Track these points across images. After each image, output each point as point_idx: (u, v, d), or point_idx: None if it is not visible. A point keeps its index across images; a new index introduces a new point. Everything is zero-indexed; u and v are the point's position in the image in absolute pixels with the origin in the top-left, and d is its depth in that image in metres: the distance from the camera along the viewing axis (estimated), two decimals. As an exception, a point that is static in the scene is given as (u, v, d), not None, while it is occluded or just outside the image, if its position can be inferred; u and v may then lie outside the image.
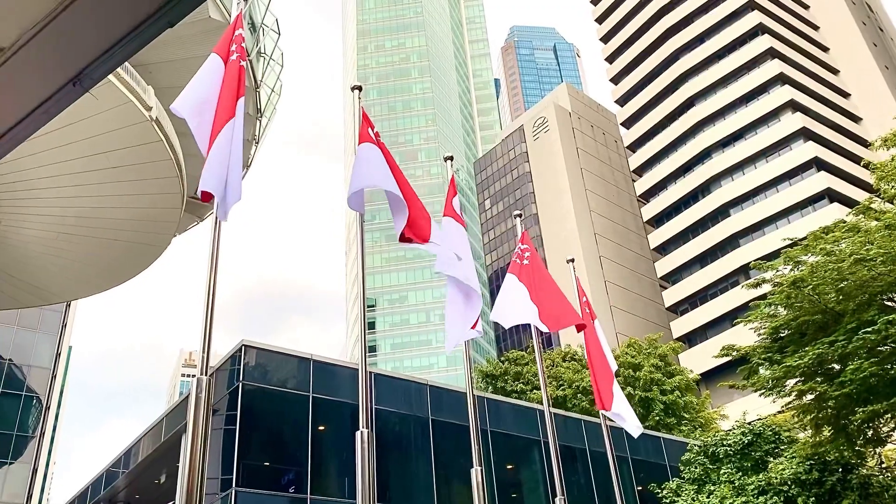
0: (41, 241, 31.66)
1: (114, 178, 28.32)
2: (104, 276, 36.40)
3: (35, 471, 48.35)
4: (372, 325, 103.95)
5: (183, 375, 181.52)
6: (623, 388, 39.09)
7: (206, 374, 5.37)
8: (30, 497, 47.69)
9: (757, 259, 24.96)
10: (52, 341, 53.10)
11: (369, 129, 9.12)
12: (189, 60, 28.34)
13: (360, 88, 9.73)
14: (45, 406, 50.97)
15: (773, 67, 72.56)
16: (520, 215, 12.94)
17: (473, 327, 9.73)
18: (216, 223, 6.56)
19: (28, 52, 3.31)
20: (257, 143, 36.08)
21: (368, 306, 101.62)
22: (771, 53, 73.71)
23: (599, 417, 13.57)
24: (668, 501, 22.54)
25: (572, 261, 14.16)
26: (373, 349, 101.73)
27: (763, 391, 20.24)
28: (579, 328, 12.26)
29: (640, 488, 25.62)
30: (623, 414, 11.91)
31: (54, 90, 3.52)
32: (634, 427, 11.99)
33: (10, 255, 31.59)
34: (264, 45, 32.38)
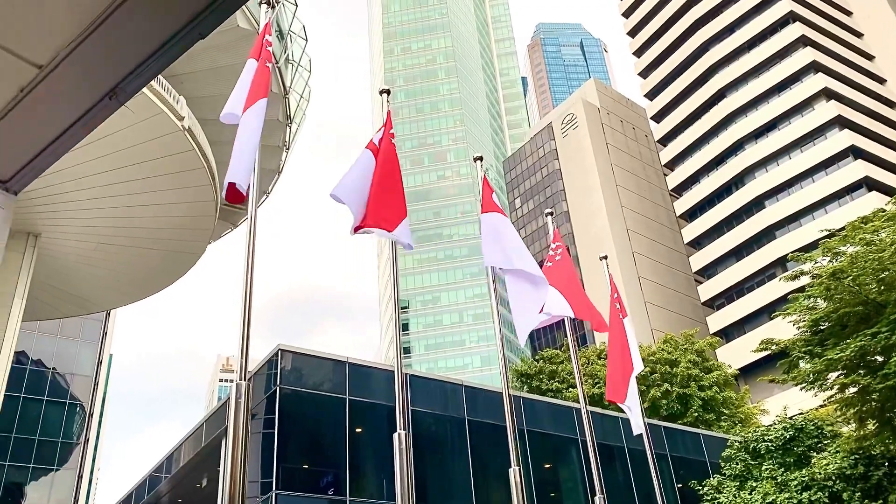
0: (80, 251, 32.33)
1: (149, 188, 28.82)
2: (142, 285, 37.05)
3: (80, 477, 49.38)
4: (405, 327, 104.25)
5: (221, 380, 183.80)
6: (660, 385, 38.74)
7: (244, 380, 5.44)
8: (76, 503, 48.71)
9: (794, 251, 24.55)
10: (94, 350, 54.24)
11: (377, 134, 9.16)
12: (219, 70, 28.73)
13: (388, 92, 9.78)
14: (87, 413, 52.02)
15: (805, 55, 71.28)
16: (551, 213, 12.89)
17: (541, 311, 9.76)
18: (251, 230, 6.65)
19: (65, 69, 3.38)
20: (288, 149, 36.40)
21: (401, 308, 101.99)
22: (803, 42, 72.42)
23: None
24: (709, 499, 22.27)
25: (605, 258, 14.06)
26: (407, 350, 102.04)
27: (804, 385, 19.91)
28: (601, 329, 12.27)
29: (680, 485, 25.35)
30: (633, 410, 11.86)
31: (91, 105, 3.60)
32: (637, 426, 11.88)
33: (51, 267, 32.29)
34: (292, 51, 32.68)
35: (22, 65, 3.33)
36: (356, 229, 8.24)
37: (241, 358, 5.67)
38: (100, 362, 54.41)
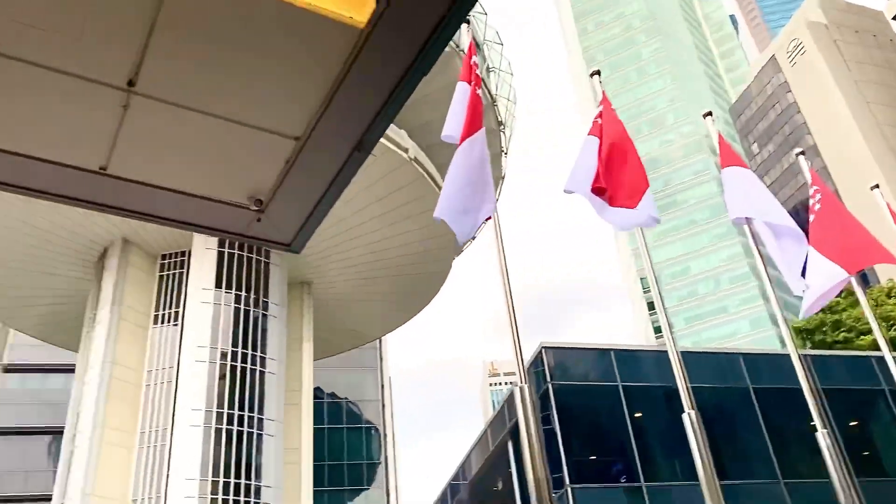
0: (344, 290, 35.53)
1: (392, 220, 30.96)
2: (403, 310, 39.81)
3: (388, 493, 54.03)
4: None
5: (491, 385, 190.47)
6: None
7: (524, 382, 5.64)
8: (389, 517, 53.36)
9: None
10: (375, 375, 59.22)
11: (598, 119, 8.99)
12: (427, 96, 30.09)
13: (598, 73, 9.63)
14: (382, 434, 56.80)
15: None
16: (802, 153, 11.82)
17: (807, 281, 8.99)
18: (499, 245, 6.88)
19: (317, 135, 3.77)
20: (506, 154, 37.13)
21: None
22: None
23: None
24: None
25: (876, 186, 12.57)
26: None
27: None
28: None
29: None
30: None
31: (343, 162, 3.96)
32: None
33: (326, 308, 35.82)
34: (491, 58, 33.38)
35: (284, 141, 3.79)
36: (608, 200, 8.13)
37: (518, 362, 5.89)
38: (382, 386, 59.19)
